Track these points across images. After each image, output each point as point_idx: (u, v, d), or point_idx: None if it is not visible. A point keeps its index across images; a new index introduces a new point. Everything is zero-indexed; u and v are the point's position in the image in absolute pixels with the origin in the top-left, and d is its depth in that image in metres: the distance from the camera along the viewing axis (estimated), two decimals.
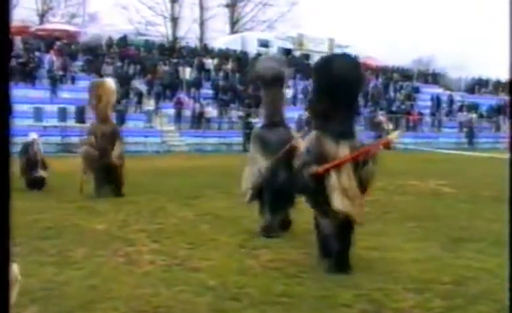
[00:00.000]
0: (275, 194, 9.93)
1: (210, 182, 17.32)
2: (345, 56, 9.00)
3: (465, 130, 48.09)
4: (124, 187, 14.71)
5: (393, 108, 47.50)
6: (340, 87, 7.62)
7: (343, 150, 7.55)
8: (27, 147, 15.84)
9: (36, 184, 15.42)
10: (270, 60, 12.12)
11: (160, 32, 63.02)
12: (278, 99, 10.58)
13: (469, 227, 10.96)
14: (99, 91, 15.16)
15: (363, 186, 7.64)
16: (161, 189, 15.42)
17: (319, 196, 7.53)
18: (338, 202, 7.32)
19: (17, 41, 39.04)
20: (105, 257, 8.30)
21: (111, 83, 15.91)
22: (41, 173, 15.70)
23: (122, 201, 13.65)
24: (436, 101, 51.66)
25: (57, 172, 18.17)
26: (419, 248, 9.21)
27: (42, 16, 60.15)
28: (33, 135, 16.43)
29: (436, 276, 7.50)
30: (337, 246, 7.62)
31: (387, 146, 7.87)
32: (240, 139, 36.48)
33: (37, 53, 38.60)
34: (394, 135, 8.13)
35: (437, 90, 55.65)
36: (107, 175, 14.60)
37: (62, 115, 32.63)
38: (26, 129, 30.83)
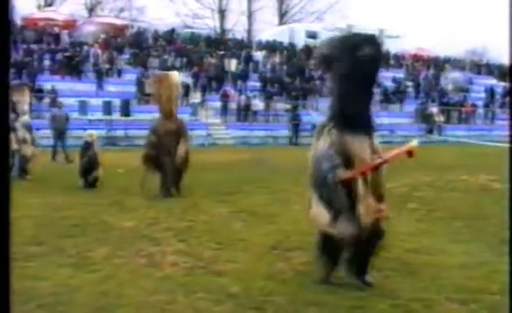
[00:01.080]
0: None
1: (251, 177, 16.74)
2: (361, 35, 7.68)
3: None
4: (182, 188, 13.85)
5: (445, 100, 46.14)
6: (361, 72, 6.65)
7: (365, 150, 6.60)
8: (87, 147, 15.22)
9: (93, 184, 14.92)
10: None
11: (207, 25, 62.77)
12: None
13: None
14: (163, 85, 14.07)
15: (378, 193, 6.71)
16: (199, 184, 14.82)
17: (343, 201, 6.46)
18: (364, 213, 6.36)
19: (64, 35, 39.25)
20: (126, 258, 7.81)
21: (175, 76, 14.70)
22: (98, 172, 15.15)
23: (153, 197, 13.15)
24: (490, 92, 50.01)
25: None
26: (467, 250, 8.48)
27: (91, 10, 60.44)
28: (92, 133, 15.80)
29: (484, 285, 6.78)
30: (353, 254, 6.72)
31: (411, 155, 6.80)
32: (286, 132, 35.85)
33: (84, 47, 38.66)
34: (414, 144, 7.02)
35: (491, 81, 53.94)
36: (170, 175, 13.58)
37: (107, 108, 32.44)
38: (71, 123, 31.11)
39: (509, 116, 37.75)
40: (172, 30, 46.62)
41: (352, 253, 6.68)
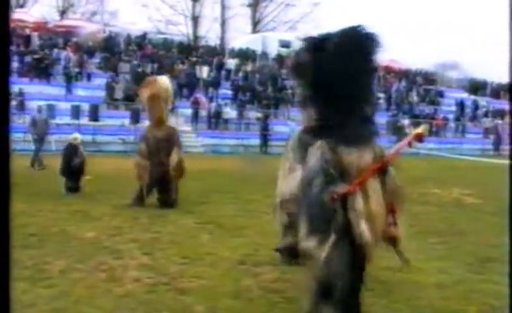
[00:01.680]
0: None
1: (220, 187, 16.38)
2: (349, 29, 6.12)
3: (491, 136, 46.66)
4: (176, 197, 13.16)
5: (416, 112, 46.21)
6: (352, 73, 5.72)
7: (365, 159, 5.61)
8: (73, 151, 14.73)
9: (75, 190, 14.43)
10: None
11: (180, 31, 62.26)
12: None
13: (498, 244, 9.84)
14: (152, 90, 13.29)
15: (392, 201, 5.70)
16: None
17: (335, 222, 5.35)
18: (365, 231, 5.31)
19: (35, 37, 38.55)
20: (85, 273, 7.35)
21: (165, 80, 13.99)
22: (83, 177, 14.82)
23: (121, 205, 12.68)
24: (461, 106, 50.24)
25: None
26: (443, 268, 8.17)
27: (63, 13, 59.64)
28: (76, 136, 15.25)
29: (461, 306, 6.47)
30: (346, 286, 5.49)
31: (420, 139, 5.71)
32: (257, 141, 35.55)
33: (55, 50, 38.03)
34: (424, 128, 6.10)
35: (462, 94, 54.25)
36: (159, 185, 13.03)
37: (76, 112, 31.88)
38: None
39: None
40: (144, 35, 46.08)
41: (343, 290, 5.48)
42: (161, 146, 12.97)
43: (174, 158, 12.94)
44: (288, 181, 7.56)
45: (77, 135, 15.48)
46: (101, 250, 8.53)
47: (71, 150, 14.77)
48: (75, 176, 14.56)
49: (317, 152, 5.74)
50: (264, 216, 11.40)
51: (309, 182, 5.60)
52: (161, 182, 12.94)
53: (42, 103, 30.82)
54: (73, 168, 14.48)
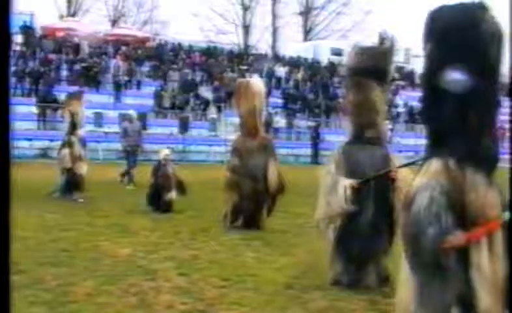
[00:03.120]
0: (359, 236, 6.91)
1: None
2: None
3: None
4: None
5: None
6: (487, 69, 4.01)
7: (492, 196, 3.96)
8: (159, 167, 13.33)
9: (167, 208, 12.89)
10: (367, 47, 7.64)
11: (231, 40, 61.74)
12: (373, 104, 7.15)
13: None
14: (244, 95, 11.72)
15: None
16: (212, 205, 13.51)
17: (453, 278, 3.78)
18: (487, 301, 3.74)
19: (84, 45, 38.47)
20: (113, 297, 6.58)
21: (258, 83, 12.30)
22: (171, 195, 13.03)
23: (163, 218, 11.97)
24: None
25: (106, 181, 16.82)
26: None
27: (114, 22, 59.71)
28: (166, 152, 13.88)
29: None
30: None
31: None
32: (308, 151, 34.65)
33: (104, 58, 37.87)
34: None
35: None
36: (249, 203, 11.34)
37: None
38: (85, 135, 30.13)
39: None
40: (193, 45, 45.77)
41: None
42: (254, 158, 11.38)
43: (272, 170, 11.33)
44: (333, 195, 6.76)
45: (165, 150, 14.04)
46: (134, 270, 7.76)
47: (157, 167, 13.42)
48: (158, 195, 12.99)
49: (430, 178, 3.95)
50: (313, 231, 10.51)
51: (418, 232, 3.82)
52: (253, 200, 11.32)
53: (90, 111, 30.69)
54: (156, 186, 13.07)
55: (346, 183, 6.61)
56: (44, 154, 27.95)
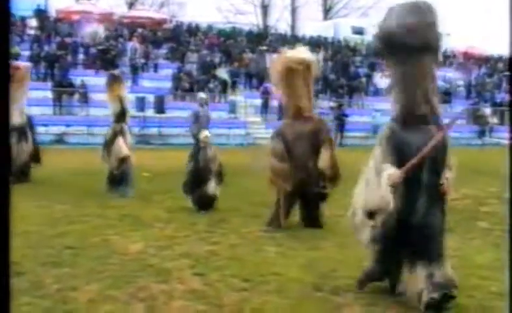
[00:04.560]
0: (410, 236, 5.79)
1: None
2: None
3: None
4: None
5: (498, 100, 43.34)
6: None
7: None
8: (197, 152, 11.51)
9: (206, 202, 11.18)
10: (411, 11, 6.01)
11: (250, 21, 60.78)
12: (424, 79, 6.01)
13: None
14: (287, 65, 9.76)
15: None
16: (231, 192, 12.64)
17: None
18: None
19: (100, 29, 37.75)
20: (118, 303, 5.80)
21: (305, 51, 10.36)
22: (210, 188, 11.24)
23: (178, 208, 11.16)
24: None
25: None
26: None
27: (131, 5, 58.95)
28: (204, 134, 11.52)
29: None
30: None
31: None
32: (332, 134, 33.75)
33: (120, 41, 37.13)
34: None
35: None
36: (303, 197, 9.87)
37: (141, 104, 30.66)
38: (103, 119, 29.50)
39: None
40: (212, 25, 44.91)
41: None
42: (304, 145, 9.64)
43: (325, 157, 9.53)
44: (374, 187, 5.78)
45: (206, 132, 11.67)
46: (145, 269, 6.96)
47: (195, 151, 11.67)
48: (196, 186, 11.26)
49: None
50: (341, 221, 9.68)
51: None
52: (306, 193, 9.77)
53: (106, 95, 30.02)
54: (197, 172, 11.28)
55: (391, 172, 5.63)
56: (60, 139, 27.32)
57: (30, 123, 14.68)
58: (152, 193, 12.66)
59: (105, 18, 40.99)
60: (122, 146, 12.77)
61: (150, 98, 31.03)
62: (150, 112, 30.72)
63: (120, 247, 8.02)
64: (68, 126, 28.66)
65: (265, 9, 63.18)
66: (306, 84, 9.79)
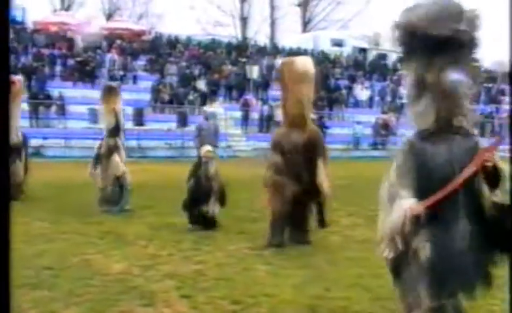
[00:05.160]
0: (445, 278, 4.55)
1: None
2: None
3: None
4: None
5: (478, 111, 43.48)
6: None
7: None
8: (198, 168, 10.69)
9: (208, 221, 10.46)
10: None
11: (229, 32, 60.66)
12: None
13: None
14: (289, 75, 9.53)
15: None
16: None
17: None
18: None
19: (78, 40, 37.29)
20: None
21: (307, 63, 9.84)
22: (212, 207, 10.51)
23: (162, 224, 10.77)
24: None
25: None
26: None
27: (109, 16, 58.53)
28: (209, 150, 10.85)
29: None
30: None
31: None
32: None
33: (99, 52, 36.69)
34: None
35: None
36: (296, 212, 9.28)
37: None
38: (80, 132, 29.04)
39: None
40: (191, 37, 44.66)
41: None
42: (299, 156, 9.24)
43: (321, 171, 9.16)
44: (389, 215, 4.75)
45: (209, 148, 11.01)
46: (128, 292, 6.56)
47: (196, 167, 10.80)
48: (196, 203, 10.47)
49: None
50: (328, 236, 9.40)
51: None
52: (298, 208, 9.27)
53: (84, 107, 29.56)
54: (192, 189, 10.52)
55: (410, 205, 4.30)
56: (37, 152, 26.74)
57: (24, 141, 13.99)
58: (134, 207, 12.21)
59: (86, 32, 40.53)
60: (119, 163, 12.24)
61: (129, 110, 30.55)
62: (129, 124, 30.21)
63: (101, 267, 7.61)
64: (45, 138, 28.11)
65: (244, 21, 63.11)
66: (306, 93, 9.44)
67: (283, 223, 9.28)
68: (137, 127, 30.21)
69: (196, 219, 10.42)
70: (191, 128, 32.25)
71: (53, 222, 10.68)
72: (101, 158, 12.29)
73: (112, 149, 12.22)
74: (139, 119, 30.89)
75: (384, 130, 37.09)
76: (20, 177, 13.28)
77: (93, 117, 29.77)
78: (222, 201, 10.61)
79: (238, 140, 33.03)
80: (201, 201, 10.40)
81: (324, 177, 9.14)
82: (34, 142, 27.18)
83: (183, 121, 31.44)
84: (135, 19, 59.66)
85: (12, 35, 35.41)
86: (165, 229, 10.30)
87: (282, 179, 9.16)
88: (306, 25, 65.79)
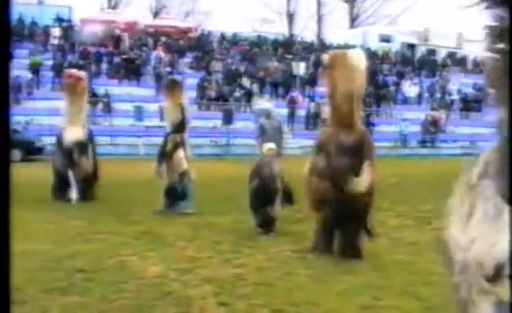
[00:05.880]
0: None
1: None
2: None
3: None
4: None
5: None
6: None
7: None
8: (260, 168, 9.91)
9: (268, 224, 9.72)
10: None
11: (276, 29, 60.17)
12: None
13: None
14: (339, 68, 8.58)
15: None
16: None
17: None
18: None
19: (125, 38, 37.39)
20: None
21: (359, 56, 8.95)
22: (276, 209, 9.80)
23: (203, 223, 10.42)
24: None
25: (145, 178, 15.00)
26: None
27: (156, 14, 58.64)
28: (268, 147, 10.18)
29: None
30: None
31: None
32: None
33: (145, 50, 36.71)
34: None
35: None
36: (342, 217, 8.29)
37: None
38: (126, 129, 28.98)
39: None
40: (237, 34, 44.40)
41: None
42: (347, 158, 8.27)
43: (365, 176, 8.15)
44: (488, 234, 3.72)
45: (271, 145, 10.22)
46: (163, 298, 6.19)
47: (258, 167, 9.96)
48: (261, 205, 9.73)
49: None
50: (378, 238, 8.84)
51: None
52: (344, 215, 8.25)
53: (130, 105, 29.54)
54: (257, 191, 9.74)
55: None
56: None
57: (91, 138, 13.75)
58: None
59: (130, 27, 40.60)
60: (183, 159, 11.84)
61: None
62: None
63: (136, 270, 7.26)
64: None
65: (291, 18, 62.58)
66: (357, 89, 8.49)
67: (330, 232, 8.42)
68: None
69: (263, 222, 9.67)
70: (237, 125, 32.04)
71: (90, 221, 10.42)
72: (167, 155, 11.85)
73: (178, 145, 11.82)
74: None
75: (433, 128, 36.20)
76: (86, 174, 13.07)
77: (138, 114, 29.77)
78: (290, 200, 10.07)
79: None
80: (266, 202, 9.65)
81: (365, 183, 8.14)
82: None
83: (228, 119, 31.13)
84: (181, 16, 59.66)
85: (58, 33, 35.71)
86: (206, 230, 9.95)
87: (326, 185, 8.26)
88: (354, 20, 64.86)
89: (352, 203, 8.13)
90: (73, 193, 12.64)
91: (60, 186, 12.96)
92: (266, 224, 9.67)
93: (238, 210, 11.31)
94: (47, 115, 28.47)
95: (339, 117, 8.50)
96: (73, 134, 13.01)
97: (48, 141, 27.04)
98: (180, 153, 11.82)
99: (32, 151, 24.70)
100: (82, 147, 13.02)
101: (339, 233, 8.38)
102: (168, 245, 8.76)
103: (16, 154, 23.78)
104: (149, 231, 9.65)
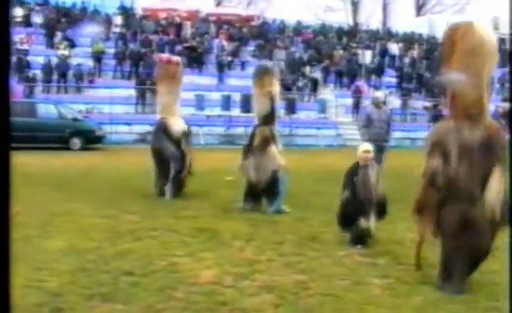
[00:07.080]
0: None
1: (388, 193, 9.25)
2: None
3: None
4: None
5: None
6: None
7: None
8: (354, 173, 8.39)
9: (362, 238, 8.21)
10: None
11: (340, 18, 59.00)
12: None
13: None
14: (463, 44, 6.49)
15: None
16: (323, 201, 11.21)
17: None
18: None
19: (187, 26, 37.01)
20: None
21: (486, 28, 6.95)
22: (370, 223, 8.24)
23: (262, 220, 9.68)
24: None
25: (206, 170, 14.41)
26: None
27: (218, 3, 58.23)
28: (365, 148, 8.64)
29: None
30: None
31: None
32: (425, 134, 31.59)
33: (207, 38, 36.22)
34: None
35: None
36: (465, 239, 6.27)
37: (226, 103, 29.58)
38: (187, 119, 28.50)
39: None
40: (300, 21, 43.47)
41: None
42: (474, 161, 6.36)
43: (495, 187, 6.25)
44: None
45: (368, 147, 8.71)
46: (215, 309, 5.46)
47: (353, 172, 8.44)
48: (355, 216, 8.20)
49: None
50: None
51: None
52: (468, 233, 6.25)
53: (191, 93, 29.03)
54: (355, 202, 8.24)
55: None
56: (143, 139, 26.41)
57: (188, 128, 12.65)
58: (233, 201, 11.17)
59: (192, 15, 40.22)
60: (276, 154, 10.76)
61: (237, 96, 29.75)
62: (236, 111, 29.48)
63: (188, 274, 6.53)
64: (151, 125, 27.70)
65: (355, 6, 61.35)
66: (485, 70, 6.51)
67: (452, 260, 6.38)
68: (244, 114, 29.38)
69: (355, 238, 8.20)
70: (300, 115, 31.22)
71: (143, 215, 9.80)
72: (255, 149, 10.82)
73: (268, 139, 10.74)
74: (246, 105, 30.00)
75: (503, 120, 34.57)
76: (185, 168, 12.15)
77: (200, 103, 29.28)
78: (381, 213, 8.48)
79: (348, 128, 31.58)
80: (357, 215, 8.16)
81: (496, 195, 6.22)
82: (140, 128, 27.02)
83: (291, 108, 30.32)
84: (243, 5, 59.11)
85: (120, 21, 35.54)
86: (267, 227, 9.18)
87: (447, 198, 6.39)
88: (420, 8, 63.24)
89: (473, 219, 6.26)
90: (169, 190, 11.74)
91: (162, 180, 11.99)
92: (359, 241, 8.18)
93: (298, 207, 10.56)
94: (108, 103, 28.28)
95: (464, 108, 6.53)
96: (179, 124, 12.15)
97: (108, 130, 26.93)
98: (273, 148, 10.74)
99: (92, 140, 24.49)
100: (188, 136, 12.21)
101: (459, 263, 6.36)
102: (224, 245, 8.02)
103: (76, 142, 23.60)
104: (205, 228, 8.89)
